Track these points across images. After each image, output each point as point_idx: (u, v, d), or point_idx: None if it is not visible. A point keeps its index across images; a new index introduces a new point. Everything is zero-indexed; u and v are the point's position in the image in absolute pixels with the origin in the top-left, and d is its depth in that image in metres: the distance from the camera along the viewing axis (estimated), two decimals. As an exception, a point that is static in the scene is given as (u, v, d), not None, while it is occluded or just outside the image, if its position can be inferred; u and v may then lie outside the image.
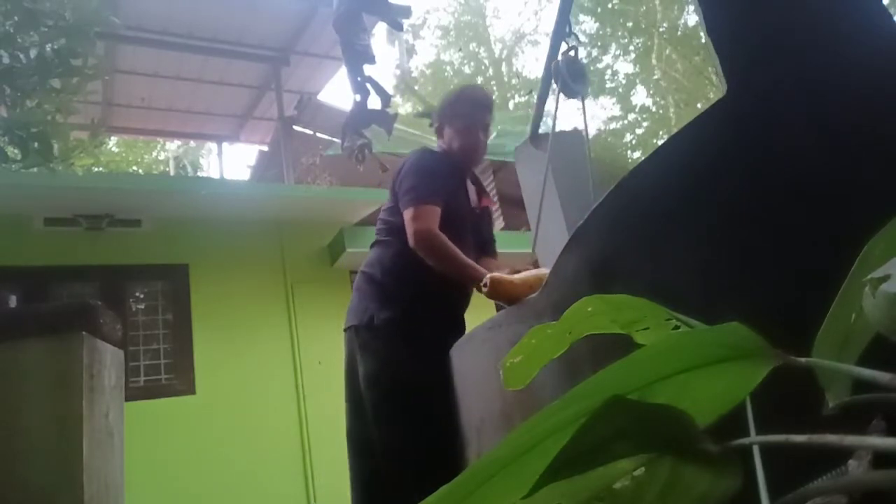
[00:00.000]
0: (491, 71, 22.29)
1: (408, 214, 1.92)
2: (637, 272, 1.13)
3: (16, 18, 3.41)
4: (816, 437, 0.33)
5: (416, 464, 1.78)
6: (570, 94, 2.63)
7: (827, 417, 0.43)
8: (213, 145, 10.66)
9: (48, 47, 3.47)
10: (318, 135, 7.33)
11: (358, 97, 2.55)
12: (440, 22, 23.04)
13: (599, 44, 18.85)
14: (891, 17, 0.93)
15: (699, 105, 14.54)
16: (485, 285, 1.72)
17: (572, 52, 2.50)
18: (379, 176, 7.12)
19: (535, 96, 3.00)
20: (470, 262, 1.88)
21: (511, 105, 20.93)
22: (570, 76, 2.50)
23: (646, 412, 0.34)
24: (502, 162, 8.11)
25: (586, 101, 2.65)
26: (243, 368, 5.63)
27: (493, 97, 2.17)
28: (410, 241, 1.89)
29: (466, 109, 2.16)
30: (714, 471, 0.32)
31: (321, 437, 5.51)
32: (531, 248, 2.60)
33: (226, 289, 5.77)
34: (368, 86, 2.54)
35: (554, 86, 2.57)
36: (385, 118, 2.59)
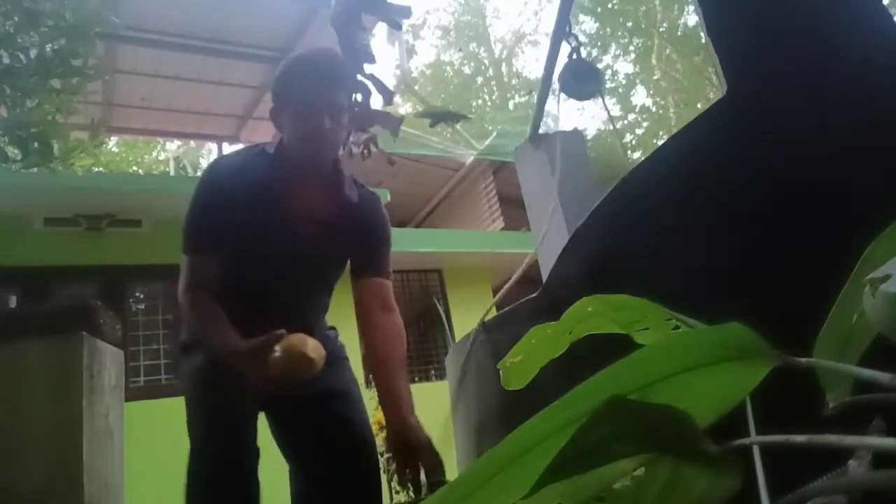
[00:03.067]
0: (491, 71, 22.30)
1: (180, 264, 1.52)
2: (637, 272, 1.13)
3: (16, 18, 3.41)
4: (816, 437, 0.32)
5: None
6: (584, 97, 2.63)
7: (827, 417, 0.43)
8: (213, 145, 10.66)
9: (48, 47, 3.47)
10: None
11: (358, 96, 2.55)
12: (440, 22, 23.11)
13: (599, 44, 18.86)
14: (891, 17, 0.93)
15: (699, 105, 14.55)
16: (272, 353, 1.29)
17: (574, 55, 2.50)
18: (380, 175, 7.12)
19: (535, 96, 3.00)
20: (224, 334, 1.37)
21: (511, 105, 20.94)
22: (577, 78, 2.50)
23: (646, 412, 0.34)
24: (502, 162, 8.12)
25: (589, 100, 2.64)
26: (243, 368, 5.63)
27: (345, 68, 1.56)
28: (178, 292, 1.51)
29: (299, 84, 1.47)
30: (714, 471, 0.32)
31: (321, 437, 5.50)
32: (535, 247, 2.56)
33: (226, 289, 5.77)
34: (370, 84, 2.53)
35: (555, 86, 2.57)
36: (391, 120, 2.58)
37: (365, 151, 2.56)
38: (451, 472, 1.80)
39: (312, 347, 1.33)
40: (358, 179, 1.62)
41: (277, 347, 1.29)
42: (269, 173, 1.48)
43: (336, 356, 1.62)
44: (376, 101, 2.60)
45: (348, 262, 1.63)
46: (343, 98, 1.53)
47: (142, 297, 6.12)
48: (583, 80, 2.51)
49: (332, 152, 1.53)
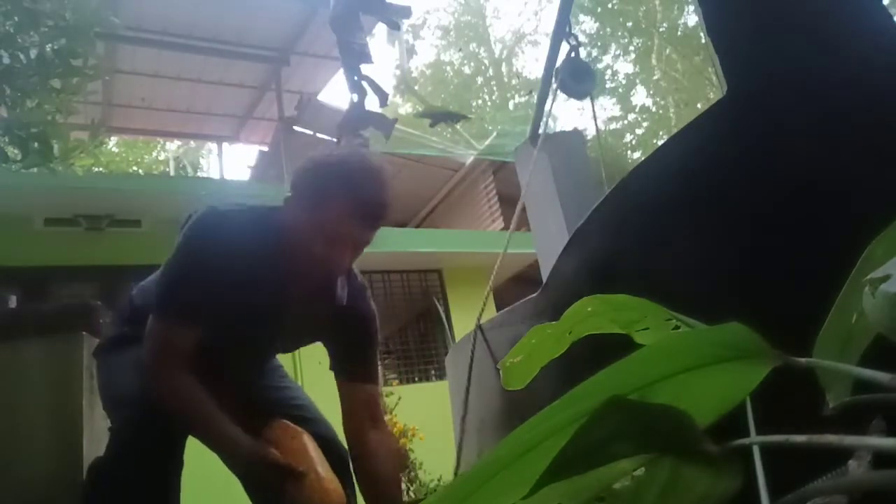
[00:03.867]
0: (491, 71, 22.30)
1: (149, 323, 1.32)
2: (637, 272, 1.13)
3: (16, 18, 3.41)
4: (816, 437, 0.32)
5: None
6: (580, 96, 2.64)
7: (827, 417, 0.43)
8: (213, 145, 10.66)
9: (48, 47, 3.47)
10: (319, 135, 7.32)
11: (355, 97, 2.55)
12: (440, 22, 23.07)
13: (599, 44, 18.86)
14: (890, 16, 0.93)
15: (699, 105, 14.54)
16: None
17: (573, 54, 2.51)
18: (379, 176, 7.10)
19: (535, 96, 3.01)
20: (226, 428, 1.28)
21: (511, 105, 20.95)
22: (574, 77, 2.51)
23: (646, 412, 0.34)
24: (502, 162, 8.12)
25: (585, 99, 2.65)
26: (243, 368, 5.63)
27: (385, 201, 1.35)
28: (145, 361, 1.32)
29: (344, 218, 1.29)
30: (714, 471, 0.32)
31: (321, 437, 5.49)
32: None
33: (226, 289, 5.77)
34: (365, 85, 2.54)
35: (553, 86, 2.57)
36: (384, 122, 2.58)
37: None
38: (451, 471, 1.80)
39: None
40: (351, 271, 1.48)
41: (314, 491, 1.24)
42: (272, 259, 1.34)
43: (275, 363, 1.68)
44: (371, 103, 2.61)
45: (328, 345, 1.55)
46: (373, 233, 1.37)
47: (142, 297, 6.12)
48: (580, 79, 2.52)
49: (339, 274, 1.42)
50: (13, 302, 2.32)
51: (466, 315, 6.92)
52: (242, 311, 1.34)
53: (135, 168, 15.62)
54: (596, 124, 3.05)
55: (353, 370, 1.50)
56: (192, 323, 1.30)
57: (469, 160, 8.53)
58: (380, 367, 1.56)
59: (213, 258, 1.28)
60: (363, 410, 1.48)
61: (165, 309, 1.32)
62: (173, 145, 14.50)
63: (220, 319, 1.32)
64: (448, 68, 22.53)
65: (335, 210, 1.28)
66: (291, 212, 1.34)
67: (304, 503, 1.23)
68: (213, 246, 1.30)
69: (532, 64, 24.65)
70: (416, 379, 7.46)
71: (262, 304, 1.36)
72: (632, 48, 18.93)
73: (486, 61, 22.49)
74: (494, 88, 22.15)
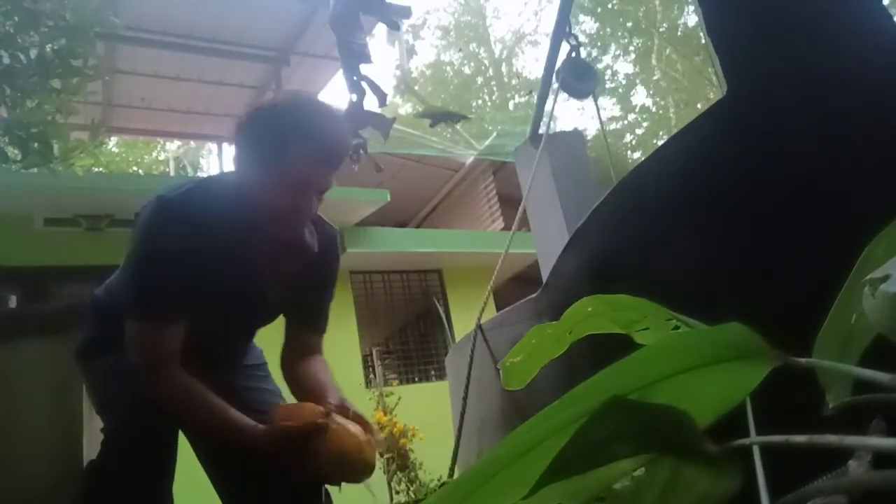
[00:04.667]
0: (491, 71, 22.30)
1: (128, 329, 1.26)
2: (637, 272, 1.13)
3: (16, 18, 3.41)
4: (816, 437, 0.32)
5: None
6: (581, 95, 2.65)
7: (827, 417, 0.43)
8: (213, 145, 10.67)
9: (48, 47, 3.48)
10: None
11: (354, 97, 2.56)
12: (440, 22, 23.08)
13: (599, 44, 18.86)
14: (890, 17, 0.93)
15: (699, 105, 14.54)
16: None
17: (573, 54, 2.51)
18: (378, 176, 7.12)
19: (535, 96, 3.01)
20: (231, 417, 1.26)
21: (511, 105, 20.95)
22: (576, 76, 2.51)
23: (646, 412, 0.34)
24: (502, 162, 8.13)
25: (586, 99, 2.65)
26: (243, 368, 5.62)
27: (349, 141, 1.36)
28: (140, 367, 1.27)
29: (304, 161, 1.25)
30: (714, 471, 0.32)
31: (321, 438, 5.49)
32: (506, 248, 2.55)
33: (226, 289, 5.77)
34: (364, 85, 2.54)
35: (554, 86, 2.57)
36: (382, 121, 2.58)
37: (353, 156, 2.56)
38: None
39: (368, 448, 1.26)
40: (318, 217, 1.45)
41: (329, 450, 1.21)
42: (240, 228, 1.29)
43: (259, 360, 1.62)
44: (370, 103, 2.61)
45: None
46: (331, 178, 1.33)
47: (142, 297, 6.11)
48: (581, 78, 2.52)
49: (307, 222, 1.38)
50: (13, 302, 2.33)
51: (466, 315, 6.93)
52: (224, 291, 1.30)
53: (135, 168, 15.62)
54: (601, 121, 3.06)
55: (310, 322, 1.49)
56: (178, 318, 1.26)
57: (469, 160, 8.54)
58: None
59: (182, 248, 1.22)
60: (304, 351, 1.47)
61: (147, 311, 1.26)
62: (173, 145, 14.50)
63: (204, 306, 1.28)
64: (448, 68, 22.52)
65: (295, 157, 1.24)
66: (247, 172, 1.29)
67: (338, 453, 1.22)
68: (179, 235, 1.23)
69: (532, 64, 24.66)
70: (416, 379, 7.46)
71: (242, 278, 1.32)
72: (632, 48, 18.93)
73: (486, 61, 22.49)
74: (494, 88, 22.15)
